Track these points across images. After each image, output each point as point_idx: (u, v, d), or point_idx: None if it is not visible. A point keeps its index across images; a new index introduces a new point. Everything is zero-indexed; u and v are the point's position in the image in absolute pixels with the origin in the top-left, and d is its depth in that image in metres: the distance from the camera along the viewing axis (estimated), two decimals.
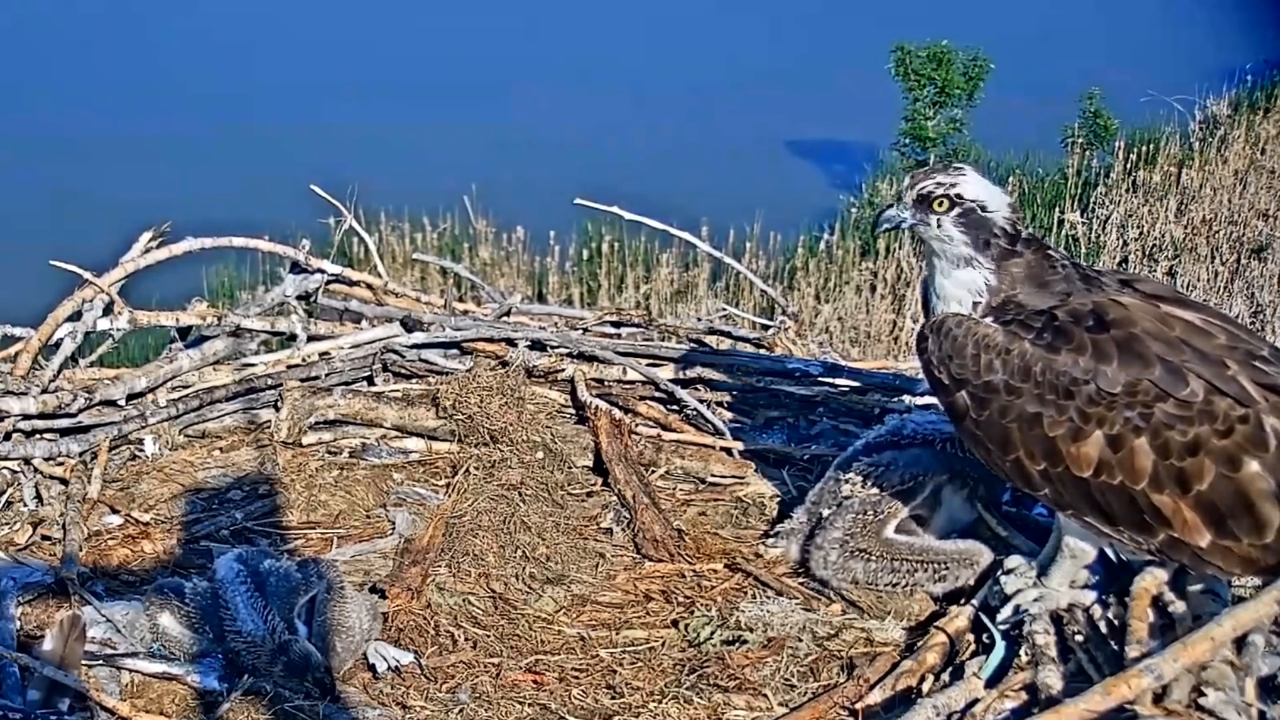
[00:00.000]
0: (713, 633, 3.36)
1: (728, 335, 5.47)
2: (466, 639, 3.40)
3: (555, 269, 12.71)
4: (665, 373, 4.62)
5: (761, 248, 12.73)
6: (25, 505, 4.01)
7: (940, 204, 3.00)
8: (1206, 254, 12.14)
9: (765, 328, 5.61)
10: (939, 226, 3.00)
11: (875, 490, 3.54)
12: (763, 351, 5.16)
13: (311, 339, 4.81)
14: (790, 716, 3.03)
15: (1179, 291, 3.16)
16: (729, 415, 4.53)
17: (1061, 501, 2.92)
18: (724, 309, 6.64)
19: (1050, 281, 2.97)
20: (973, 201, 2.99)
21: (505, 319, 5.08)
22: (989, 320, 2.95)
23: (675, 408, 4.51)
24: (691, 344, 5.08)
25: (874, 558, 3.45)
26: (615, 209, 5.63)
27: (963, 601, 3.32)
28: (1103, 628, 3.01)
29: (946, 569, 3.39)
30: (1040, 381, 2.83)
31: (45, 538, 3.84)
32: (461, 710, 3.11)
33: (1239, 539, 2.76)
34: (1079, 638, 3.00)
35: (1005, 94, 14.88)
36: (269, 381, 4.55)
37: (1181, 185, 13.33)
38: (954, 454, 3.54)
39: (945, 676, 3.05)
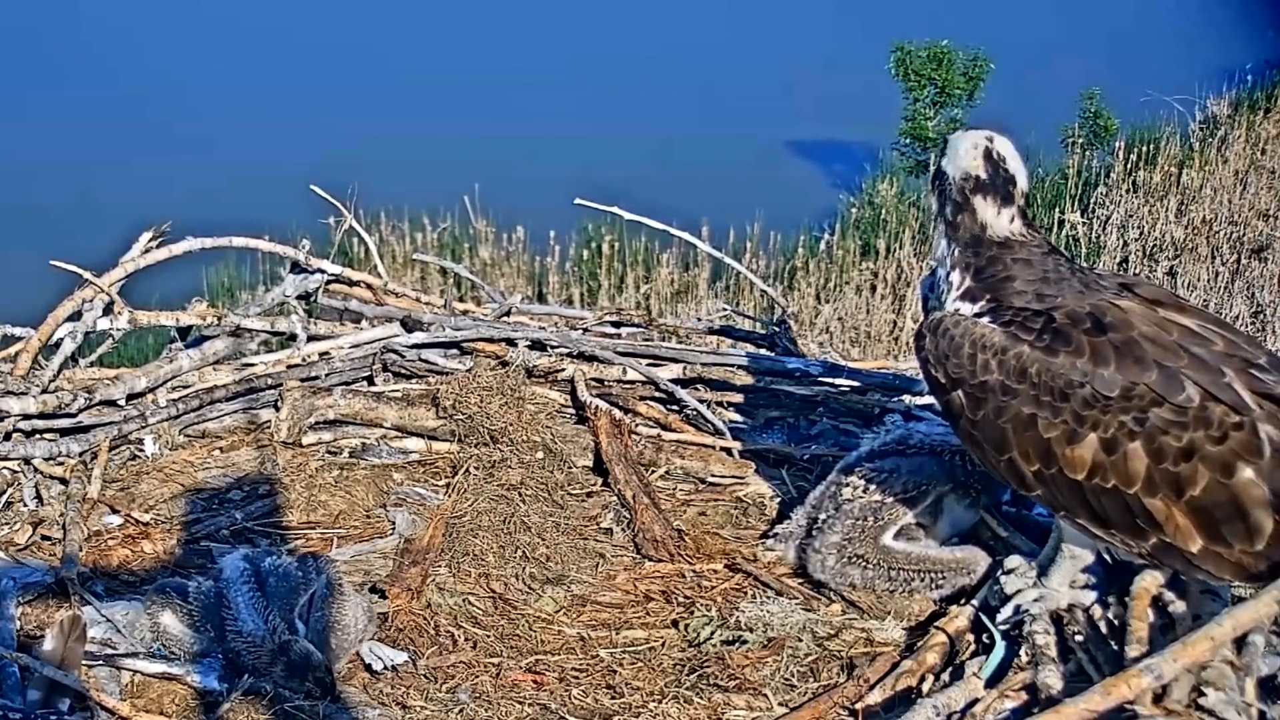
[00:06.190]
0: (713, 633, 3.36)
1: (728, 335, 5.48)
2: (466, 639, 3.41)
3: (555, 269, 12.68)
4: (665, 373, 4.62)
5: (761, 248, 12.68)
6: (25, 505, 4.01)
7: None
8: (1207, 254, 12.11)
9: (765, 327, 5.61)
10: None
11: (876, 497, 3.54)
12: (763, 351, 5.16)
13: (311, 339, 4.82)
14: (790, 716, 3.03)
15: (1178, 296, 3.16)
16: (729, 415, 4.54)
17: (1055, 503, 2.93)
18: (725, 309, 6.64)
19: (1042, 282, 2.96)
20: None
21: (505, 319, 5.09)
22: (986, 320, 2.95)
23: (675, 408, 4.51)
24: (692, 344, 5.07)
25: (871, 565, 3.44)
26: (615, 209, 5.63)
27: (963, 601, 3.32)
28: (1103, 628, 3.01)
29: (944, 578, 3.39)
30: (1036, 383, 2.83)
31: (45, 538, 3.84)
32: (461, 710, 3.11)
33: (1230, 545, 2.75)
34: (1079, 638, 3.00)
35: (1005, 94, 14.84)
36: (269, 381, 4.55)
37: (1182, 185, 13.30)
38: (960, 465, 3.53)
39: (945, 676, 3.05)
